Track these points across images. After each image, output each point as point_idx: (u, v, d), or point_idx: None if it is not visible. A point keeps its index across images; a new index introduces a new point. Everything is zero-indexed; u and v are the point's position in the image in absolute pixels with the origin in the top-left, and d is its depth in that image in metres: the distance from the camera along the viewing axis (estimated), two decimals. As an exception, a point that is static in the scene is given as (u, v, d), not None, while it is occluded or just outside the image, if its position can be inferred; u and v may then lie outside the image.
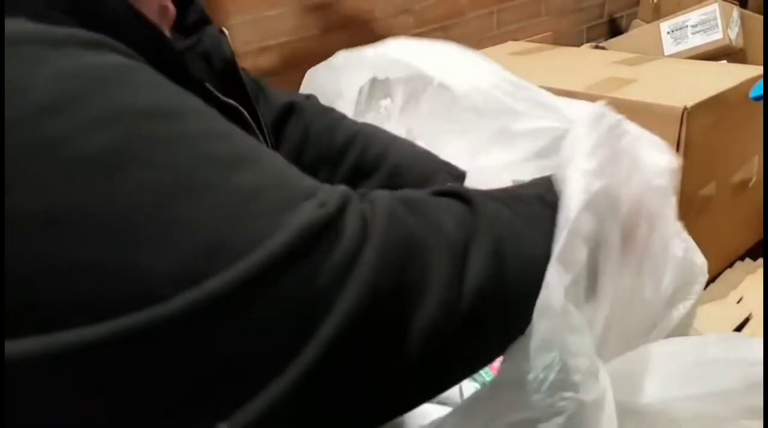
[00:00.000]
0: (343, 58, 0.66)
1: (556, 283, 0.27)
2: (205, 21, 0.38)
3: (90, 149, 0.19)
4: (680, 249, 0.41)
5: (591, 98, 0.74)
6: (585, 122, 0.34)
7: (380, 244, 0.22)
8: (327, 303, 0.21)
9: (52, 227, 0.18)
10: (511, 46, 1.03)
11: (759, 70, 0.76)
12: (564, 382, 0.29)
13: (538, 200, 0.30)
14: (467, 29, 1.38)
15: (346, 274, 0.21)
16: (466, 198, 0.28)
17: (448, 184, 0.30)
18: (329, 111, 0.54)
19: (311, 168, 0.48)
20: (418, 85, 0.61)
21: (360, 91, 0.63)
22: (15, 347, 0.18)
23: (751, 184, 0.81)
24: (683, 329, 0.40)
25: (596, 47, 1.13)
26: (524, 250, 0.27)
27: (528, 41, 1.05)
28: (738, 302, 0.76)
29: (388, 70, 0.63)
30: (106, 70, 0.20)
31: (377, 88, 0.64)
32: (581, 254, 0.29)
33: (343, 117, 0.54)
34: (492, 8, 1.40)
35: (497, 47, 1.02)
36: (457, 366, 0.27)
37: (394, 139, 0.52)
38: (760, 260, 0.84)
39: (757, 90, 0.57)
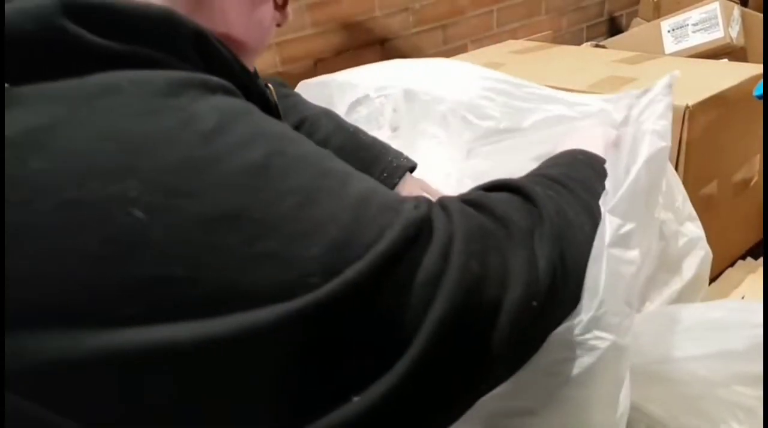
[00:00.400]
0: (336, 76, 0.69)
1: (606, 232, 0.31)
2: (255, 74, 0.41)
3: (243, 163, 0.23)
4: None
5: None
6: (658, 87, 0.39)
7: (463, 235, 0.27)
8: (433, 287, 0.25)
9: (229, 224, 0.21)
10: (510, 44, 1.02)
11: (760, 68, 0.75)
12: (601, 322, 0.31)
13: (588, 168, 0.35)
14: (467, 28, 1.38)
15: (444, 261, 0.25)
16: (518, 189, 0.32)
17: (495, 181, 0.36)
18: (291, 96, 0.57)
19: None
20: (409, 98, 0.64)
21: (349, 106, 0.66)
22: (196, 328, 0.21)
23: (752, 183, 0.81)
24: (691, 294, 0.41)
25: (596, 46, 1.13)
26: (577, 228, 0.32)
27: (528, 40, 1.04)
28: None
29: (379, 88, 0.66)
30: (238, 107, 0.25)
31: (365, 103, 0.66)
32: (634, 206, 0.32)
33: (302, 102, 0.57)
34: (492, 7, 1.40)
35: (497, 46, 1.02)
36: (538, 337, 0.31)
37: (340, 127, 0.55)
38: (762, 259, 0.83)
39: (760, 89, 0.57)
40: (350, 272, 0.23)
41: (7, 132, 0.20)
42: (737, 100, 0.71)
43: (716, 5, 1.04)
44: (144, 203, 0.20)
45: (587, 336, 0.31)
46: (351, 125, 0.57)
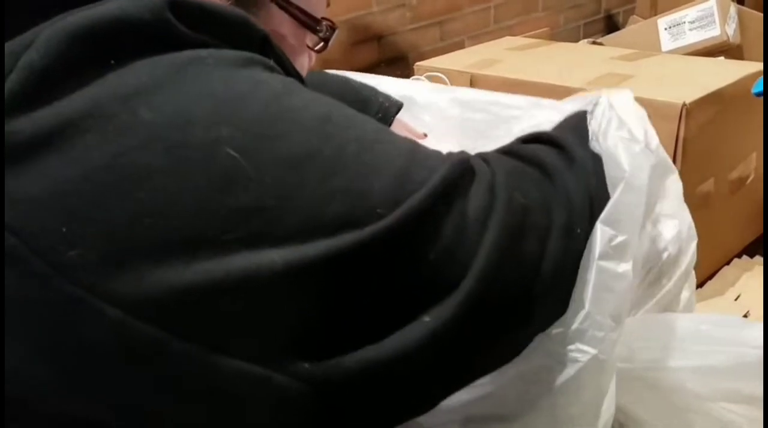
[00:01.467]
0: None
1: (597, 242, 0.31)
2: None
3: (312, 114, 0.27)
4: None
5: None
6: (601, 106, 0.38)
7: (504, 172, 0.30)
8: (485, 215, 0.28)
9: (305, 163, 0.25)
10: (508, 41, 1.02)
11: (757, 66, 0.75)
12: (584, 335, 0.31)
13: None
14: (464, 24, 1.37)
15: (491, 194, 0.28)
16: (549, 139, 0.35)
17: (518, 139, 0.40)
18: None
19: None
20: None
21: None
22: (277, 255, 0.24)
23: (748, 181, 0.81)
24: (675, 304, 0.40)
25: (593, 43, 1.13)
26: (599, 169, 0.34)
27: (525, 37, 1.04)
28: (736, 299, 0.76)
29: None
30: (295, 81, 0.30)
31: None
32: (628, 215, 0.32)
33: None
34: (489, 3, 1.39)
35: (494, 42, 1.02)
36: (573, 277, 0.32)
37: (331, 76, 0.61)
38: (758, 258, 0.84)
39: (759, 86, 0.57)
40: (411, 201, 0.26)
41: (120, 91, 0.25)
42: (734, 98, 0.71)
43: (713, 3, 1.04)
44: (236, 145, 0.24)
45: (569, 347, 0.31)
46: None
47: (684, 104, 0.65)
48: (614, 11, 1.64)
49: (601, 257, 0.31)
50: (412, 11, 1.29)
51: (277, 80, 0.29)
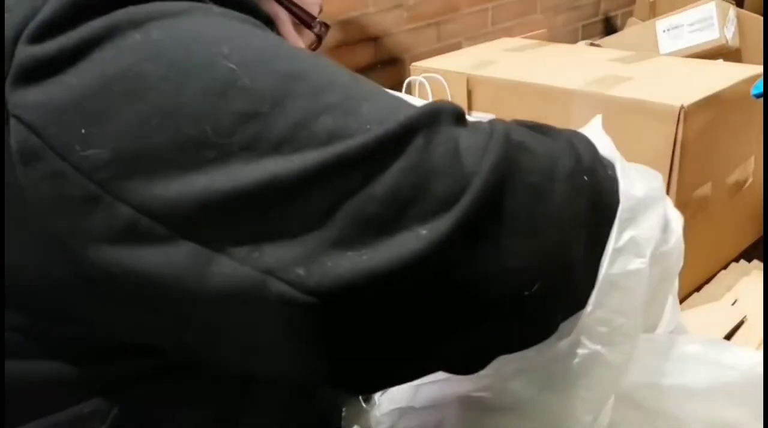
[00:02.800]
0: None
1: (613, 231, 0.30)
2: None
3: (305, 51, 0.31)
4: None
5: (587, 96, 0.72)
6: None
7: (500, 123, 0.29)
8: (484, 145, 0.27)
9: (298, 79, 0.28)
10: (505, 42, 1.01)
11: (756, 69, 0.75)
12: (590, 330, 0.29)
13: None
14: (461, 25, 1.36)
15: (489, 132, 0.28)
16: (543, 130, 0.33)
17: None
18: None
19: None
20: None
21: None
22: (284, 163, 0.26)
23: (746, 185, 0.80)
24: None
25: (591, 44, 1.12)
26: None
27: (522, 38, 1.03)
28: (733, 304, 0.75)
29: None
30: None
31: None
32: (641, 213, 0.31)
33: None
34: (487, 4, 1.39)
35: (491, 43, 1.01)
36: (579, 230, 0.30)
37: None
38: (755, 262, 0.83)
39: (759, 87, 0.56)
40: (399, 117, 0.27)
41: (135, 17, 0.27)
42: (732, 101, 0.70)
43: (712, 6, 1.03)
44: (235, 60, 0.27)
45: (570, 341, 0.30)
46: None
47: (682, 107, 0.64)
48: (612, 13, 1.63)
49: (613, 252, 0.29)
50: (409, 12, 1.28)
51: (274, 34, 0.32)
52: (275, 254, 0.26)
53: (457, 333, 0.28)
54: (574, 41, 1.50)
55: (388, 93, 0.30)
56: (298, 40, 0.46)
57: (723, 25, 1.04)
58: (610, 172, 0.31)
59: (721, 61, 0.93)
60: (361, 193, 0.26)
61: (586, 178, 0.29)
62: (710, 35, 1.05)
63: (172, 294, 0.26)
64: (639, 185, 0.31)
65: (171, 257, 0.26)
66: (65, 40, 0.27)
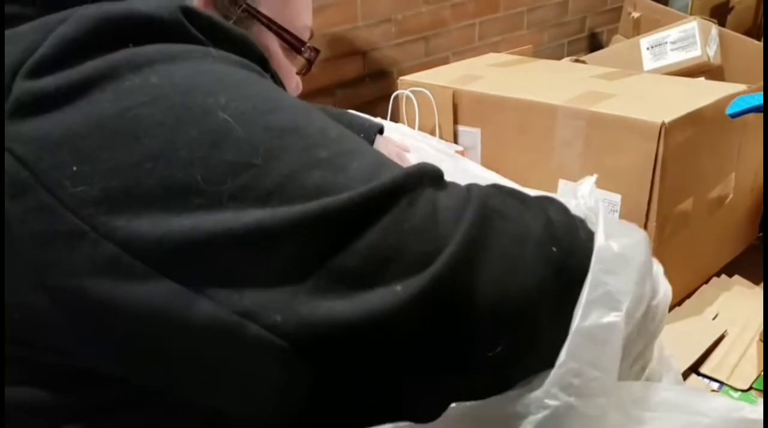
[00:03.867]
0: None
1: (585, 288, 0.30)
2: None
3: (300, 104, 0.31)
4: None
5: (571, 112, 0.73)
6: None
7: (477, 189, 0.31)
8: (460, 212, 0.29)
9: (292, 133, 0.29)
10: (491, 57, 1.02)
11: (737, 87, 0.76)
12: (563, 381, 0.29)
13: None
14: (449, 40, 1.38)
15: (466, 198, 0.30)
16: (517, 196, 0.34)
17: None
18: None
19: None
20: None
21: None
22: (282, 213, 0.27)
23: (727, 201, 0.81)
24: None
25: (576, 61, 1.13)
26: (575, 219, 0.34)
27: (508, 53, 1.04)
28: (713, 318, 0.76)
29: None
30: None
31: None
32: (623, 264, 0.31)
33: None
34: (474, 20, 1.40)
35: (477, 59, 1.02)
36: (550, 294, 0.31)
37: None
38: (736, 277, 0.84)
39: (734, 107, 0.57)
40: (385, 178, 0.28)
41: (134, 60, 0.28)
42: (713, 118, 0.72)
43: (694, 24, 1.05)
44: (231, 112, 0.28)
45: (538, 392, 0.29)
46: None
47: (663, 124, 0.65)
48: (598, 30, 1.66)
49: (587, 304, 0.29)
50: (397, 26, 1.29)
51: (268, 82, 0.33)
52: (254, 298, 0.26)
53: (421, 384, 0.29)
54: (560, 57, 1.52)
55: (373, 151, 0.31)
56: (289, 66, 0.47)
57: (705, 43, 1.06)
58: (583, 234, 0.32)
59: (702, 79, 0.95)
60: (343, 247, 0.27)
61: (554, 249, 0.30)
62: (693, 53, 1.06)
63: (151, 330, 0.26)
64: (618, 239, 0.32)
65: (152, 295, 0.26)
66: (64, 77, 0.27)
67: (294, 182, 0.27)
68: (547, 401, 0.29)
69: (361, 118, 0.67)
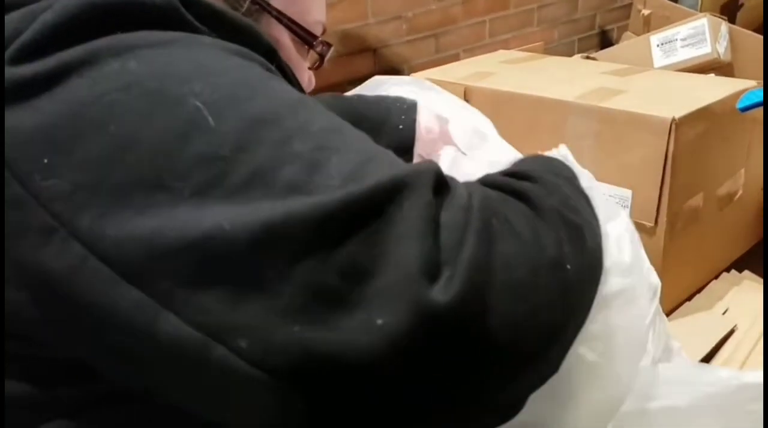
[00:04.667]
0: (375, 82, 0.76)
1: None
2: None
3: (285, 94, 0.29)
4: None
5: (582, 108, 0.74)
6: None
7: (479, 199, 0.27)
8: (461, 235, 0.25)
9: (268, 125, 0.26)
10: (502, 54, 1.03)
11: (747, 83, 0.76)
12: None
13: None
14: (459, 37, 1.38)
15: (466, 217, 0.25)
16: (538, 179, 0.31)
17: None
18: None
19: None
20: None
21: None
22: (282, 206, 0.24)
23: (737, 196, 0.81)
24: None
25: (587, 58, 1.14)
26: (589, 218, 0.32)
27: (519, 50, 1.05)
28: (723, 313, 0.76)
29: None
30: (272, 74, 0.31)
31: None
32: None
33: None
34: (484, 17, 1.41)
35: (488, 55, 1.03)
36: (569, 319, 0.28)
37: (346, 99, 0.63)
38: (746, 272, 0.84)
39: (744, 101, 0.57)
40: (372, 181, 0.25)
41: (115, 46, 0.27)
42: (723, 114, 0.72)
43: (704, 21, 1.05)
44: (204, 99, 0.26)
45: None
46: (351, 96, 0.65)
47: (673, 119, 0.66)
48: (608, 27, 1.66)
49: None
50: (407, 23, 1.30)
51: (262, 70, 0.30)
52: (220, 317, 0.23)
53: (412, 423, 0.25)
54: (570, 54, 1.52)
55: (366, 147, 0.27)
56: (300, 61, 0.46)
57: (715, 40, 1.06)
58: (591, 241, 0.29)
59: (712, 75, 0.95)
60: (314, 259, 0.23)
61: (568, 266, 0.26)
62: (702, 50, 1.07)
63: (120, 335, 0.25)
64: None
65: (118, 302, 0.24)
66: (42, 64, 0.26)
67: (262, 178, 0.24)
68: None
69: (399, 100, 0.60)
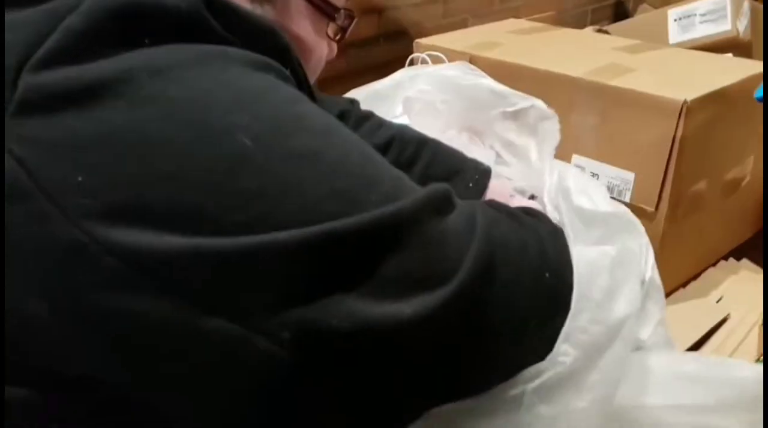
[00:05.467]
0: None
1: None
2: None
3: (320, 122, 0.30)
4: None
5: (590, 85, 0.71)
6: None
7: (482, 214, 0.32)
8: (467, 240, 0.29)
9: (309, 160, 0.27)
10: (511, 23, 0.99)
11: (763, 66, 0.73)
12: (570, 336, 0.32)
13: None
14: (468, 2, 1.33)
15: (472, 226, 0.30)
16: (517, 214, 0.36)
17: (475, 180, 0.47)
18: (370, 116, 0.66)
19: None
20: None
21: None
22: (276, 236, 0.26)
23: (743, 184, 0.79)
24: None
25: (599, 31, 1.10)
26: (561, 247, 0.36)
27: (528, 20, 1.01)
28: (717, 301, 0.75)
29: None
30: (304, 95, 0.32)
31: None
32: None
33: (381, 121, 0.66)
34: (496, -18, 1.35)
35: (497, 24, 0.99)
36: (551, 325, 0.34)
37: (426, 139, 0.64)
38: (744, 261, 0.83)
39: (762, 91, 0.55)
40: (402, 205, 0.28)
41: (151, 65, 0.26)
42: (737, 98, 0.69)
43: (725, -3, 1.01)
44: (251, 134, 0.26)
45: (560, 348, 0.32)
46: (430, 139, 0.65)
47: (685, 102, 0.63)
48: (624, -2, 1.60)
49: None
50: (416, -16, 1.25)
51: (288, 88, 0.31)
52: (262, 317, 0.26)
53: (416, 402, 0.31)
54: (583, 25, 1.47)
55: (392, 172, 0.31)
56: (317, 40, 0.44)
57: (736, 17, 1.02)
58: (565, 253, 0.35)
59: (730, 55, 0.91)
60: (357, 269, 0.27)
61: (547, 274, 0.32)
62: (722, 27, 1.02)
63: (150, 342, 0.26)
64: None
65: (156, 310, 0.25)
66: (74, 76, 0.26)
67: (305, 214, 0.26)
68: (560, 358, 0.32)
69: (471, 161, 0.63)
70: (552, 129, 0.63)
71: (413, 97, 0.72)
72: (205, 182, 0.25)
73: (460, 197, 0.56)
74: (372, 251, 0.27)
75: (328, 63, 0.50)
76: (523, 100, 0.66)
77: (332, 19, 0.43)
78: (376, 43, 1.25)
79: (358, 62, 1.22)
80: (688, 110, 0.63)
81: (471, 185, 0.60)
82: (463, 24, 1.32)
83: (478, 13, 1.35)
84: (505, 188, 0.61)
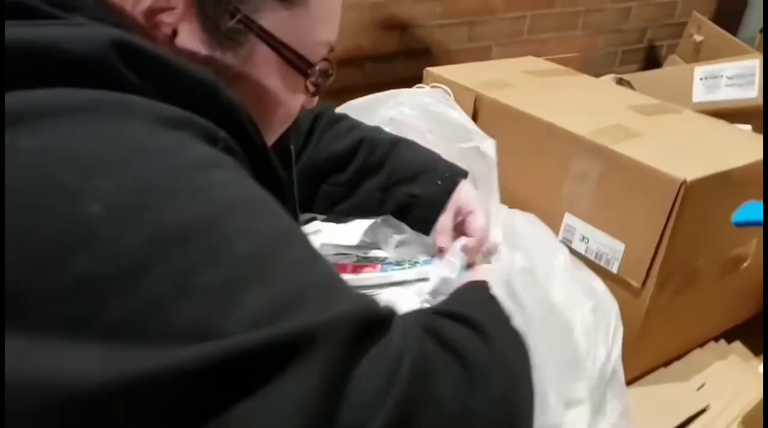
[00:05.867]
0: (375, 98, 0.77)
1: None
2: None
3: (222, 197, 0.24)
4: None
5: (590, 146, 0.68)
6: None
7: (412, 360, 0.25)
8: (383, 396, 0.23)
9: (187, 246, 0.22)
10: (529, 62, 0.96)
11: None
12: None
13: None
14: (495, 29, 1.30)
15: (400, 360, 0.24)
16: (480, 329, 0.31)
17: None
18: (342, 118, 0.64)
19: (327, 166, 0.62)
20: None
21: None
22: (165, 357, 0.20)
23: (743, 266, 0.75)
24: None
25: (620, 81, 1.06)
26: (524, 372, 0.33)
27: (549, 59, 0.97)
28: (698, 389, 0.71)
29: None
30: (227, 160, 0.27)
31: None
32: None
33: (354, 124, 0.63)
34: (526, 12, 1.32)
35: (515, 61, 0.95)
36: None
37: (399, 139, 0.62)
38: (736, 344, 0.79)
39: (740, 215, 0.51)
40: (284, 329, 0.21)
41: (13, 108, 0.22)
42: (744, 180, 0.65)
43: (756, 62, 0.96)
44: (108, 199, 0.21)
45: None
46: (405, 140, 0.63)
47: (684, 182, 0.60)
48: (658, 43, 1.55)
49: None
50: (442, 6, 1.22)
51: (204, 150, 0.25)
52: None
53: None
54: (611, 65, 1.43)
55: (306, 273, 0.24)
56: (289, 97, 0.39)
57: (764, 84, 0.97)
58: (527, 395, 0.31)
59: (749, 127, 0.87)
60: (207, 416, 0.20)
61: (502, 411, 0.28)
62: (748, 93, 0.98)
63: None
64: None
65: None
66: None
67: (154, 315, 0.20)
68: None
69: (444, 163, 0.61)
70: (490, 177, 0.64)
71: (400, 119, 0.71)
72: (32, 261, 0.20)
73: (427, 194, 0.45)
74: (227, 395, 0.21)
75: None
76: (481, 140, 0.67)
77: (305, 75, 0.38)
78: (395, 59, 1.22)
79: (374, 77, 1.20)
80: (687, 189, 0.60)
81: (440, 182, 0.58)
82: (486, 51, 1.29)
83: (503, 41, 1.31)
84: (492, 272, 0.56)
